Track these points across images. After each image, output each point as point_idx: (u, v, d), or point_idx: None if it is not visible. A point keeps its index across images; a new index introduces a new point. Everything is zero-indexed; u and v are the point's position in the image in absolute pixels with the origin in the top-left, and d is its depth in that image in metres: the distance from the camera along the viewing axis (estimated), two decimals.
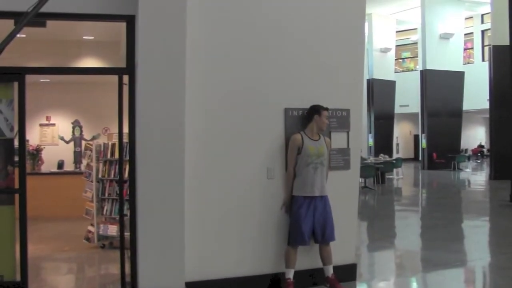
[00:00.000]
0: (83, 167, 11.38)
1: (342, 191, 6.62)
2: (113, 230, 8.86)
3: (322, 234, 6.27)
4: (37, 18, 4.28)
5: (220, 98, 6.16)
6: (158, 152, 5.75)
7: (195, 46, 5.86)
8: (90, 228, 9.23)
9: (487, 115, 28.25)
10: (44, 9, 4.19)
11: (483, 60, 36.11)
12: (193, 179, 5.94)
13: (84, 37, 11.70)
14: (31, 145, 13.47)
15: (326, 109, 6.30)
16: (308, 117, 6.37)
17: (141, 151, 5.79)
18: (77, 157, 14.24)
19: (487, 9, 30.90)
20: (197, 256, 6.04)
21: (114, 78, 6.25)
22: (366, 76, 33.94)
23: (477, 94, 32.29)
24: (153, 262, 5.77)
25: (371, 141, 35.13)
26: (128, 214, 6.23)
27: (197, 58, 5.92)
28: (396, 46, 38.22)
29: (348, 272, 6.83)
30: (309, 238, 6.24)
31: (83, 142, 13.42)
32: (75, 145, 14.46)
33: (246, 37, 6.26)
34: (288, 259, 6.27)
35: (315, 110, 6.29)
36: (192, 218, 5.94)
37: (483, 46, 37.37)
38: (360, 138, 7.35)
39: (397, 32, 37.96)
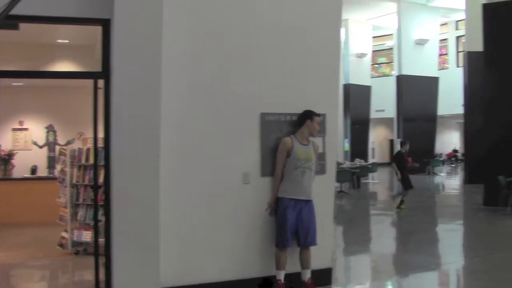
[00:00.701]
0: (57, 172, 11.25)
1: (318, 196, 6.60)
2: (87, 236, 8.76)
3: (305, 238, 6.31)
4: (10, 20, 4.22)
5: (195, 103, 6.11)
6: (133, 157, 5.71)
7: (171, 51, 5.82)
8: (64, 234, 9.11)
9: (462, 120, 28.54)
10: (18, 11, 4.13)
11: (457, 66, 36.50)
12: (169, 184, 5.89)
13: (59, 41, 11.56)
14: (3, 150, 13.30)
15: (318, 115, 6.36)
16: (299, 122, 6.40)
17: (116, 156, 5.73)
18: (51, 162, 14.10)
19: (461, 15, 31.24)
20: (175, 261, 6.00)
21: (89, 82, 6.20)
22: (342, 81, 34.10)
23: (451, 99, 32.61)
24: (128, 268, 5.72)
25: (347, 146, 35.29)
26: (103, 219, 6.17)
27: (173, 63, 5.88)
28: (372, 51, 38.49)
29: (324, 276, 6.83)
30: (292, 240, 6.28)
31: (57, 147, 13.28)
32: (49, 150, 14.32)
33: (222, 42, 6.23)
34: (278, 261, 6.29)
35: (308, 115, 6.33)
36: (169, 223, 5.90)
37: (457, 52, 37.78)
38: (336, 143, 7.36)
39: (373, 37, 38.23)
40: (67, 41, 11.58)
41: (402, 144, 15.85)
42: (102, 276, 6.19)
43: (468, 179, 23.62)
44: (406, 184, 15.20)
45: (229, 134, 6.29)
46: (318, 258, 6.61)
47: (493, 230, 12.41)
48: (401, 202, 15.30)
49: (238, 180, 6.30)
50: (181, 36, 5.95)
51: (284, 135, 6.37)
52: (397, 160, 15.44)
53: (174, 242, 5.98)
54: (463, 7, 26.12)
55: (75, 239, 8.90)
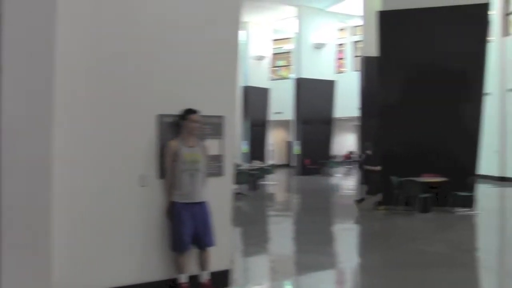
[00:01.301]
0: None
1: (215, 198, 6.62)
2: None
3: (202, 240, 6.33)
4: None
5: (90, 104, 5.95)
6: (24, 158, 5.50)
7: (65, 49, 5.66)
8: None
9: (357, 123, 29.33)
10: None
11: (354, 70, 37.55)
12: (62, 187, 5.71)
13: None
14: None
15: (195, 112, 6.31)
16: (178, 124, 6.36)
17: (6, 157, 5.50)
18: None
19: (358, 21, 32.17)
20: (69, 266, 5.80)
21: None
22: (241, 84, 34.27)
23: (348, 102, 33.40)
24: (18, 273, 5.51)
25: (245, 148, 35.47)
26: None
27: (67, 61, 5.70)
28: (272, 54, 38.91)
29: (223, 277, 6.85)
30: (190, 243, 6.27)
31: None
32: None
33: (118, 42, 6.11)
34: (178, 265, 6.28)
35: (182, 115, 6.31)
36: (63, 227, 5.71)
37: (354, 57, 38.85)
38: (234, 145, 7.39)
39: (272, 40, 38.65)
40: None
41: (367, 146, 15.56)
42: None
43: (363, 180, 24.22)
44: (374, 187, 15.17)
45: (125, 135, 6.17)
46: (216, 259, 6.62)
47: (386, 229, 12.86)
48: (379, 203, 15.34)
49: (135, 183, 6.21)
50: (75, 36, 5.78)
51: (172, 138, 6.34)
52: (368, 162, 15.33)
53: (68, 246, 5.79)
54: (360, 13, 26.89)
55: None
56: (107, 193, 6.09)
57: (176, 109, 6.37)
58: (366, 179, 15.29)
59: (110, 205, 6.10)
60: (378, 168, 15.07)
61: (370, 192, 15.44)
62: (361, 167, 15.18)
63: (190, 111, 6.30)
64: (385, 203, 14.94)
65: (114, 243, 6.14)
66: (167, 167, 6.26)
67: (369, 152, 15.33)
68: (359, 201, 16.04)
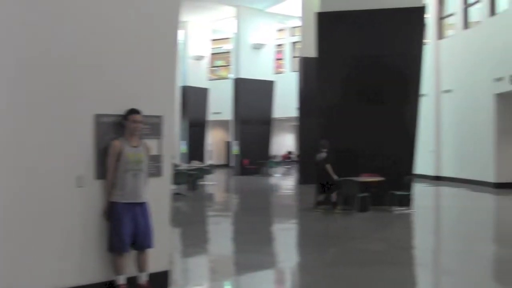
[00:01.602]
0: None
1: (154, 198, 6.53)
2: None
3: (142, 241, 6.25)
4: None
5: (23, 102, 5.76)
6: None
7: None
8: None
9: (295, 123, 29.56)
10: None
11: (292, 70, 37.85)
12: None
13: None
14: None
15: (136, 112, 6.22)
16: (121, 123, 6.26)
17: None
18: None
19: (297, 22, 32.44)
20: (4, 269, 5.62)
21: None
22: (179, 83, 34.10)
23: (286, 102, 33.71)
24: None
25: (184, 148, 35.30)
26: None
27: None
28: (211, 54, 38.85)
29: (161, 279, 6.77)
30: (129, 244, 6.17)
31: None
32: None
33: (55, 42, 5.93)
34: (117, 266, 6.17)
35: (123, 115, 6.23)
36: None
37: (293, 57, 39.16)
38: (173, 145, 7.32)
39: (211, 40, 38.59)
40: None
41: (323, 145, 15.10)
42: None
43: (302, 180, 24.49)
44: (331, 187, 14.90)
45: (61, 136, 5.98)
46: (155, 260, 6.55)
47: (325, 228, 12.99)
48: (321, 203, 15.22)
49: (71, 183, 6.05)
50: (8, 34, 5.62)
51: (115, 138, 6.23)
52: (329, 160, 14.97)
53: (1, 249, 5.62)
54: (299, 14, 27.12)
55: None
56: (43, 194, 5.90)
57: (114, 109, 6.26)
58: (322, 178, 14.94)
59: (46, 206, 5.91)
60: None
61: (325, 192, 15.14)
62: (318, 165, 14.88)
63: (132, 111, 6.22)
64: (324, 203, 15.06)
65: (50, 245, 5.96)
66: (109, 167, 6.15)
67: (325, 150, 15.01)
68: (319, 203, 15.42)
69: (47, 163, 5.91)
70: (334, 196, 14.83)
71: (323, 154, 14.77)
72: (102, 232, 6.21)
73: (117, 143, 6.15)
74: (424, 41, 15.87)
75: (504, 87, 20.06)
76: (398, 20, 15.06)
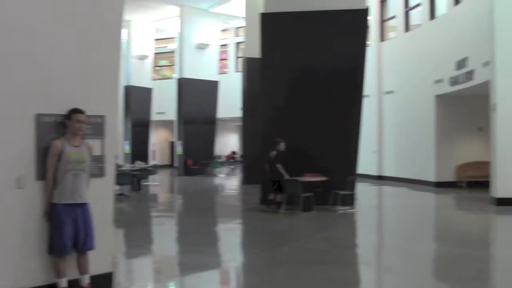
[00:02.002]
0: None
1: (96, 199, 6.44)
2: None
3: (83, 243, 6.13)
4: None
5: None
6: None
7: None
8: None
9: (240, 123, 29.63)
10: None
11: (236, 70, 37.94)
12: None
13: None
14: None
15: (80, 112, 6.11)
16: (63, 123, 6.14)
17: None
18: None
19: (241, 23, 32.52)
20: None
21: None
22: (123, 83, 33.75)
23: (230, 103, 33.78)
24: None
25: (127, 148, 34.97)
26: None
27: None
28: (154, 54, 38.56)
29: (105, 281, 6.68)
30: (71, 246, 6.05)
31: None
32: None
33: None
34: (57, 269, 6.03)
35: (66, 114, 6.10)
36: None
37: (237, 57, 39.24)
38: (116, 145, 7.24)
39: (155, 40, 38.31)
40: None
41: (277, 143, 14.88)
42: None
43: (246, 180, 24.56)
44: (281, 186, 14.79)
45: (1, 135, 5.81)
46: (97, 262, 6.45)
47: (270, 228, 13.04)
48: (272, 202, 15.09)
49: (11, 184, 5.90)
50: None
51: (56, 138, 6.10)
52: (280, 160, 14.79)
53: None
54: (243, 14, 27.17)
55: None
56: None
57: (56, 109, 6.13)
58: (274, 177, 14.80)
59: None
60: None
61: (277, 190, 15.03)
62: (271, 164, 14.72)
63: (76, 111, 6.10)
64: (268, 203, 15.11)
65: None
66: (50, 167, 6.01)
67: (280, 149, 14.86)
68: (270, 201, 15.27)
69: None
70: (279, 196, 14.89)
71: (274, 153, 14.79)
72: (43, 234, 6.08)
73: (58, 143, 6.02)
74: (367, 42, 16.13)
75: (444, 89, 20.58)
76: (341, 22, 15.26)
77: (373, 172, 26.55)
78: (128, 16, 32.07)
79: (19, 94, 5.94)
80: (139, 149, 34.97)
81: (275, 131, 15.53)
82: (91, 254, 6.26)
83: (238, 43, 39.24)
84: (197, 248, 10.34)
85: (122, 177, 18.36)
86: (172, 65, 41.15)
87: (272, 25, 15.82)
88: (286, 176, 14.64)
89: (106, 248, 6.74)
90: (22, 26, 5.97)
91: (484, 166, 19.11)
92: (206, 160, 31.55)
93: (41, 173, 6.04)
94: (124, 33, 31.90)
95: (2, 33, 5.83)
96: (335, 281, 7.73)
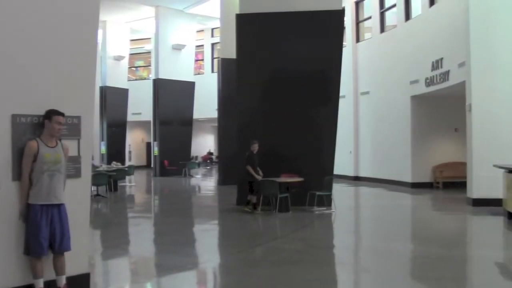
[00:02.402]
0: None
1: (73, 200, 6.43)
2: None
3: (59, 244, 6.12)
4: None
5: None
6: None
7: None
8: None
9: (216, 124, 29.63)
10: None
11: (212, 71, 37.93)
12: None
13: None
14: None
15: (60, 114, 6.10)
16: (41, 123, 6.12)
17: None
18: None
19: (217, 23, 32.52)
20: None
21: None
22: (99, 84, 33.57)
23: (207, 103, 33.80)
24: None
25: (103, 149, 34.82)
26: None
27: None
28: (130, 54, 38.41)
29: (81, 281, 6.67)
30: (47, 247, 6.04)
31: None
32: None
33: None
34: (34, 270, 6.01)
35: (46, 115, 6.08)
36: None
37: (212, 58, 39.22)
38: (92, 146, 7.22)
39: (131, 40, 38.15)
40: None
41: (251, 144, 14.89)
42: None
43: (222, 181, 24.57)
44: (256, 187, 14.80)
45: None
46: (74, 263, 6.44)
47: (247, 228, 13.08)
48: (249, 202, 15.02)
49: None
50: None
51: (31, 138, 6.08)
52: (250, 161, 14.79)
53: None
54: (219, 15, 27.17)
55: None
56: None
57: (32, 110, 6.10)
58: (247, 178, 14.78)
59: None
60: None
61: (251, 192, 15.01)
62: (249, 163, 14.65)
63: (56, 112, 6.08)
64: (244, 203, 15.13)
65: None
66: (25, 167, 5.98)
67: (253, 150, 14.82)
68: (251, 206, 15.06)
69: None
70: (254, 197, 14.93)
71: (246, 154, 14.81)
72: (19, 235, 6.06)
73: (33, 143, 6.00)
74: (343, 43, 16.21)
75: (420, 90, 20.75)
76: (317, 23, 15.33)
77: (350, 172, 26.69)
78: (103, 16, 31.91)
79: None
80: (115, 150, 34.85)
81: (250, 131, 15.57)
82: (67, 255, 6.24)
83: (213, 44, 39.23)
84: (174, 248, 10.34)
85: (98, 177, 18.28)
86: (148, 65, 41.03)
87: (248, 26, 15.87)
88: (257, 178, 14.68)
89: (82, 249, 6.73)
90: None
91: (460, 166, 19.33)
92: (183, 161, 31.49)
93: (17, 174, 6.02)
94: (99, 33, 31.76)
95: None
96: (312, 281, 7.77)
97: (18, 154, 6.02)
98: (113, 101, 35.01)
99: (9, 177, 6.00)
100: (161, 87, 31.25)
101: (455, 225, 13.75)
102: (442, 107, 21.48)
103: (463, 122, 16.95)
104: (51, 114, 6.07)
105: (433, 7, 20.39)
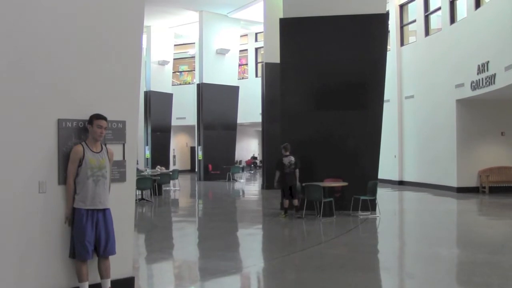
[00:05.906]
0: None
1: (118, 204, 6.48)
2: None
3: (104, 248, 6.18)
4: None
5: None
6: None
7: None
8: None
9: (260, 128, 29.63)
10: None
11: (256, 76, 37.97)
12: None
13: None
14: None
15: (102, 117, 6.17)
16: (85, 128, 6.20)
17: None
18: None
19: (260, 28, 32.55)
20: None
21: None
22: (143, 88, 33.92)
23: (250, 108, 33.83)
24: None
25: (148, 153, 35.12)
26: None
27: None
28: (174, 59, 38.68)
29: (126, 285, 6.72)
30: (92, 251, 6.11)
31: None
32: None
33: (12, 44, 5.80)
34: (79, 273, 6.09)
35: (88, 120, 6.16)
36: None
37: (256, 63, 39.26)
38: (136, 150, 7.28)
39: (175, 45, 38.43)
40: None
41: (286, 148, 14.92)
42: None
43: (266, 185, 24.52)
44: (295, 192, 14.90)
45: (24, 140, 5.87)
46: (119, 267, 6.50)
47: (290, 233, 13.02)
48: (297, 209, 15.05)
49: (34, 189, 5.95)
50: None
51: (77, 143, 6.16)
52: (277, 166, 14.93)
53: None
54: (262, 20, 27.19)
55: None
56: (5, 200, 5.77)
57: (78, 114, 6.19)
58: (291, 182, 14.77)
59: (7, 212, 5.79)
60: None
61: (291, 197, 14.96)
62: (285, 169, 14.63)
63: (97, 116, 6.16)
64: (289, 208, 15.06)
65: (11, 251, 5.84)
66: (71, 172, 6.07)
67: (288, 154, 14.75)
68: (286, 209, 15.13)
69: (9, 169, 5.79)
70: (296, 201, 14.87)
71: (291, 158, 14.74)
72: (65, 239, 6.13)
73: (79, 148, 6.08)
74: (387, 47, 16.05)
75: (465, 93, 20.38)
76: (361, 27, 15.22)
77: (394, 177, 26.39)
78: (148, 22, 32.28)
79: (41, 99, 6.00)
80: (160, 154, 35.08)
81: (294, 136, 15.51)
82: (112, 259, 6.30)
83: (257, 48, 39.27)
84: (218, 253, 10.36)
85: (143, 182, 18.46)
86: (192, 70, 41.28)
87: (291, 30, 15.84)
88: (283, 184, 14.81)
89: (127, 253, 6.78)
90: (45, 35, 6.03)
91: (507, 171, 18.92)
92: (227, 165, 31.58)
93: (63, 178, 6.10)
94: (144, 38, 32.08)
95: (27, 40, 5.90)
96: (356, 286, 7.69)
97: (64, 158, 6.11)
98: (158, 105, 35.28)
99: (55, 181, 6.09)
100: (205, 91, 31.37)
101: (502, 231, 13.41)
102: (488, 111, 21.07)
103: (509, 126, 16.57)
104: (92, 118, 6.14)
105: (478, 9, 20.00)
